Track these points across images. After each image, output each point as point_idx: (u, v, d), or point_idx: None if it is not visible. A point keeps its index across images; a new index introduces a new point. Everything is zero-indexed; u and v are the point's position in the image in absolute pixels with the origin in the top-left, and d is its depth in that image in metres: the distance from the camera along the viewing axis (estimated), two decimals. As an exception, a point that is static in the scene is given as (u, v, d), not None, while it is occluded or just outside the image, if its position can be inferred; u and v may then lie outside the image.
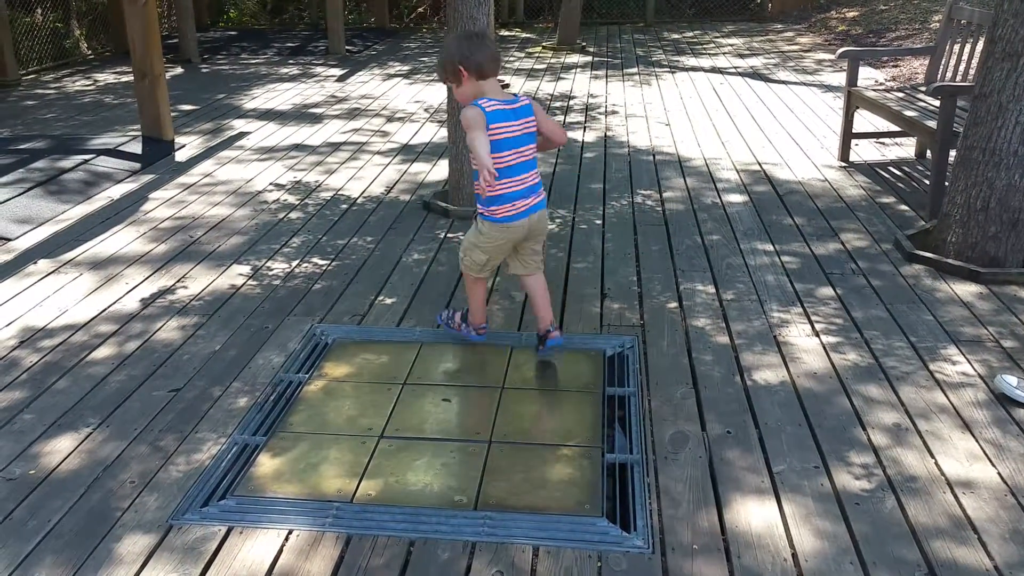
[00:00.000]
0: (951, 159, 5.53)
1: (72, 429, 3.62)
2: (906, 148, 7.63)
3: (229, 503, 3.14)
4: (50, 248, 5.69)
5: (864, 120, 8.14)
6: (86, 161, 7.48)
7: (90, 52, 14.68)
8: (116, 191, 6.95)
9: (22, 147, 7.95)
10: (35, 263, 5.44)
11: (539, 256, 4.13)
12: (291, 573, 2.80)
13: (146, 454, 3.45)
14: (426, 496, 3.17)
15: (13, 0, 12.74)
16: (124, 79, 12.01)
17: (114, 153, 7.83)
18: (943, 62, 7.07)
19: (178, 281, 5.13)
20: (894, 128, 7.09)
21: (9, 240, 5.83)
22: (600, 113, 9.49)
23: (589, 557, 2.85)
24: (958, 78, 6.82)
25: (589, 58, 13.39)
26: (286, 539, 2.96)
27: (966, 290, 4.80)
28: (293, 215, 6.26)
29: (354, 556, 2.88)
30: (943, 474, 3.24)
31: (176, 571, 2.81)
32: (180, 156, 8.00)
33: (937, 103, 6.03)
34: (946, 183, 5.52)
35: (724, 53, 13.62)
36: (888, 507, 3.06)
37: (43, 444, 3.52)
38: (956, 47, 6.97)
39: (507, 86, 10.98)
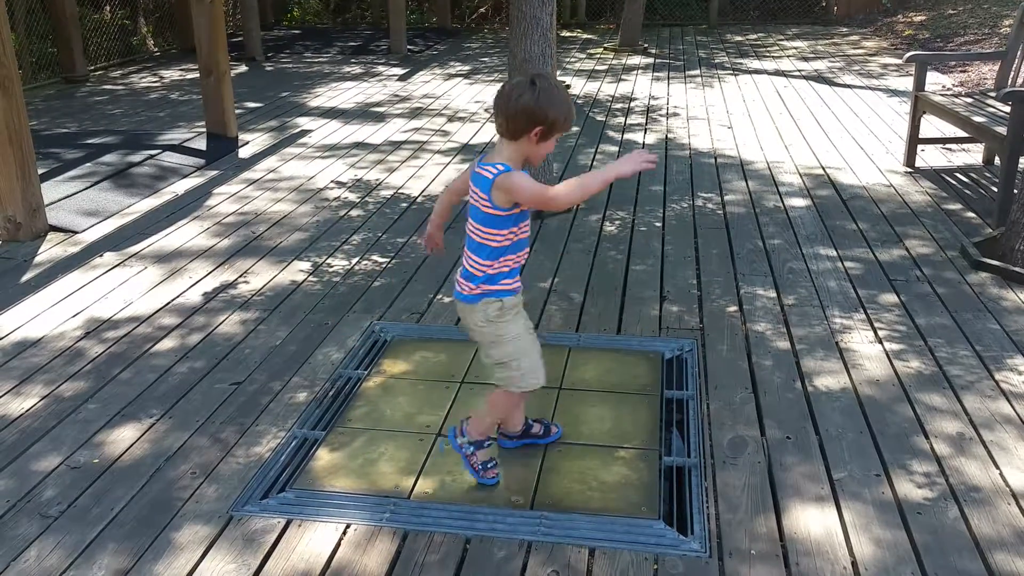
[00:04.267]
0: (1021, 166, 5.43)
1: (135, 419, 3.68)
2: (973, 154, 7.51)
3: (288, 496, 3.17)
4: (116, 241, 5.79)
5: (931, 125, 8.00)
6: (152, 156, 7.60)
7: (156, 49, 14.91)
8: (181, 186, 7.05)
9: (90, 142, 8.09)
10: (101, 256, 5.53)
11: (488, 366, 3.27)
12: (348, 567, 2.82)
13: (207, 446, 3.49)
14: (482, 495, 3.17)
15: (83, -3, 12.99)
16: (189, 76, 12.18)
17: (179, 149, 7.94)
18: (1014, 67, 6.94)
19: (240, 276, 5.19)
20: (962, 134, 6.98)
21: (76, 232, 5.94)
22: (661, 115, 9.45)
23: (645, 559, 2.84)
24: (1029, 83, 6.71)
25: (651, 60, 13.33)
26: (343, 533, 2.98)
27: (1034, 299, 4.72)
28: (354, 213, 6.30)
29: (410, 552, 2.89)
30: (1007, 485, 3.19)
31: (235, 561, 2.84)
32: (244, 153, 8.10)
33: (1007, 109, 5.93)
34: (1015, 190, 5.42)
35: (788, 56, 13.48)
36: (951, 517, 3.02)
37: (107, 433, 3.58)
38: (1028, 52, 6.85)
39: (568, 87, 10.98)
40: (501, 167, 2.96)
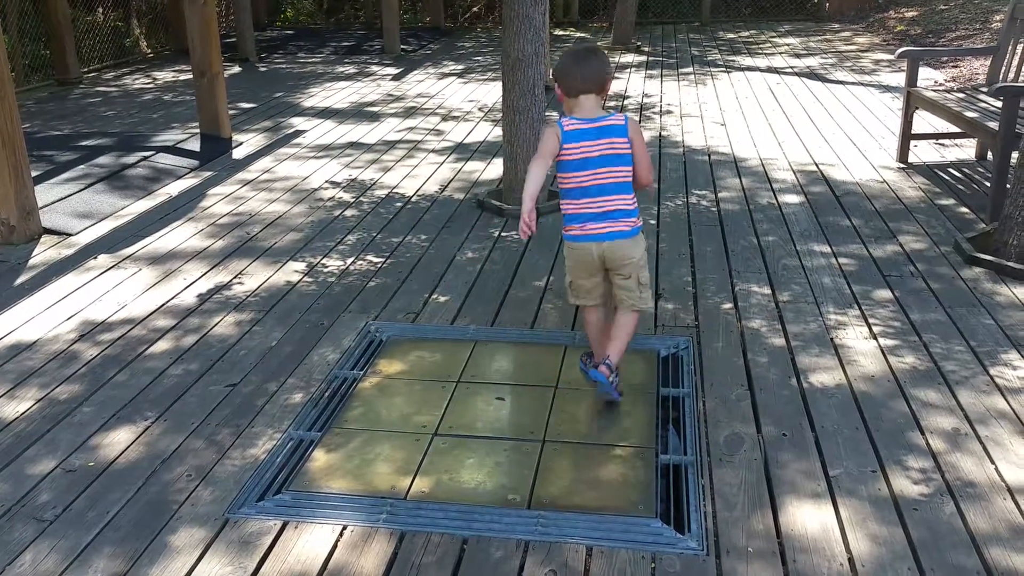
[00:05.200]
0: (1013, 161, 5.44)
1: (130, 422, 3.67)
2: (966, 149, 7.52)
3: (284, 498, 3.16)
4: (110, 243, 5.78)
5: (923, 121, 8.02)
6: (146, 158, 7.58)
7: (149, 50, 14.88)
8: (175, 187, 7.04)
9: (83, 144, 8.07)
10: (95, 258, 5.52)
11: (629, 291, 3.70)
12: (344, 568, 2.82)
13: (202, 448, 3.48)
14: (479, 494, 3.17)
15: (75, 0, 12.95)
16: (183, 77, 12.16)
17: (173, 150, 7.93)
18: (1005, 62, 6.96)
19: (235, 277, 5.18)
20: (954, 129, 6.98)
21: (71, 235, 5.93)
22: (655, 113, 9.45)
23: (642, 558, 2.84)
24: (1020, 79, 6.71)
25: (644, 57, 13.33)
26: (340, 534, 2.97)
27: (1028, 294, 4.73)
28: (348, 212, 6.30)
29: (407, 553, 2.89)
30: (1003, 480, 3.19)
31: (231, 564, 2.84)
32: (238, 153, 8.08)
33: (999, 104, 5.93)
34: (1007, 185, 5.43)
35: (780, 53, 13.49)
36: (947, 513, 3.02)
37: (102, 436, 3.57)
38: (1020, 47, 6.85)
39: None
40: (621, 114, 3.66)
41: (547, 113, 6.29)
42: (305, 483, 3.25)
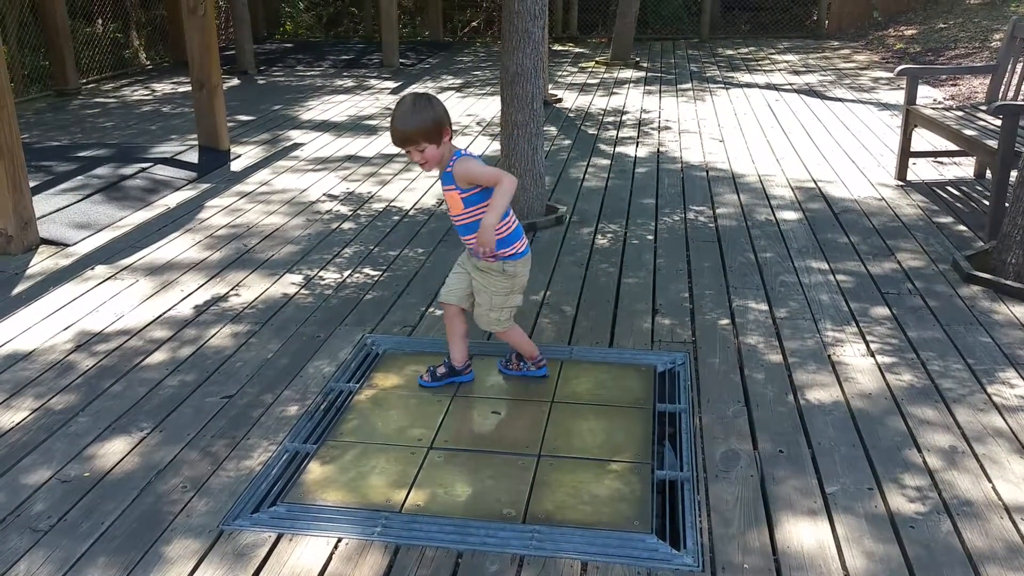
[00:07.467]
0: (1012, 179, 5.45)
1: (126, 433, 3.66)
2: (965, 168, 7.53)
3: (279, 510, 3.15)
4: (107, 254, 5.78)
5: (922, 139, 8.04)
6: (144, 169, 7.59)
7: (148, 62, 14.90)
8: (173, 199, 7.04)
9: (81, 155, 8.08)
10: (93, 268, 5.52)
11: None
12: (339, 581, 2.81)
13: (198, 459, 3.48)
14: (474, 508, 3.16)
15: (75, 11, 12.97)
16: (181, 89, 12.18)
17: (171, 162, 7.94)
18: (1005, 80, 6.98)
19: (232, 289, 5.18)
20: (953, 147, 7.00)
21: (68, 245, 5.92)
22: (653, 128, 9.46)
23: (638, 573, 2.83)
24: (1020, 97, 6.72)
25: (642, 73, 13.36)
26: (335, 547, 2.96)
27: (1025, 312, 4.73)
28: (346, 225, 6.30)
29: (402, 566, 2.88)
30: (1000, 499, 3.18)
31: (226, 576, 2.83)
32: (236, 166, 8.09)
33: (998, 122, 5.94)
34: (1006, 203, 5.43)
35: (779, 70, 13.52)
36: (943, 531, 3.01)
37: (97, 447, 3.56)
38: (1019, 66, 6.87)
39: (559, 100, 11.01)
40: None
41: (545, 128, 6.29)
42: (300, 495, 3.24)
